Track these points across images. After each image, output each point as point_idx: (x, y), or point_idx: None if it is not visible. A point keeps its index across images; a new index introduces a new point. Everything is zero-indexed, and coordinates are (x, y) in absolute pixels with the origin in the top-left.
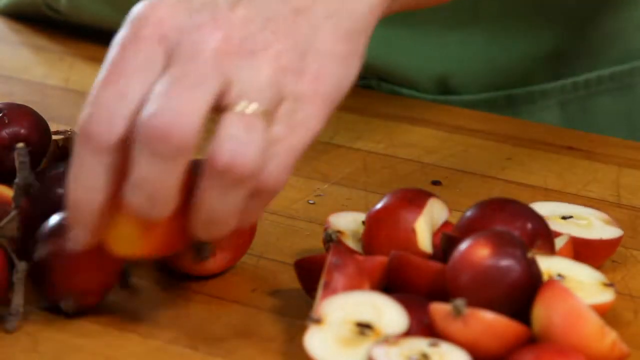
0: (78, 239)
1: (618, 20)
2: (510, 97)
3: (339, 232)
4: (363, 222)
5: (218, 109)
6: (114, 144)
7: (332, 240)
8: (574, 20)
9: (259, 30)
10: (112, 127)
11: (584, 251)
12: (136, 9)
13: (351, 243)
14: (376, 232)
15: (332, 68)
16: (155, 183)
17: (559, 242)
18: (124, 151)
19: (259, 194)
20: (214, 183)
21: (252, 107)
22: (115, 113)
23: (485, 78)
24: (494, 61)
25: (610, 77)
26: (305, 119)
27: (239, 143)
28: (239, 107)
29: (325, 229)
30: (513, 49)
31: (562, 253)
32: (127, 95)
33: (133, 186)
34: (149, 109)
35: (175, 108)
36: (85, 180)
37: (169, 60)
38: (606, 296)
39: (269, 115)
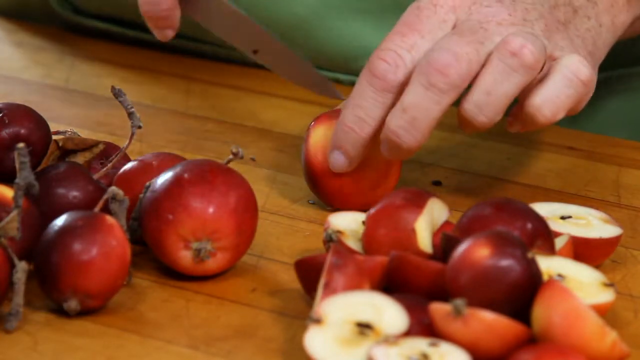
0: (338, 162)
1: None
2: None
3: (339, 232)
4: (363, 222)
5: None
6: (395, 86)
7: (332, 240)
8: None
9: (535, 20)
10: (398, 72)
11: (584, 251)
12: None
13: (351, 243)
14: (376, 232)
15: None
16: (422, 109)
17: (559, 242)
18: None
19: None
20: (501, 63)
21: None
22: (404, 60)
23: None
24: None
25: (618, 78)
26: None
27: (528, 37)
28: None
29: (325, 229)
30: None
31: (562, 253)
32: (418, 48)
33: (400, 109)
34: (433, 50)
35: (457, 52)
36: (361, 111)
37: (458, 27)
38: (606, 296)
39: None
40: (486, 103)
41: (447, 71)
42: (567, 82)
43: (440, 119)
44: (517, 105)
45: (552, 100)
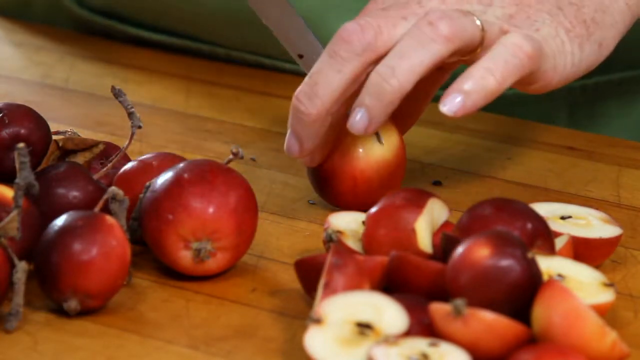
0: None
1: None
2: (519, 97)
3: (339, 232)
4: (363, 222)
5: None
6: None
7: (332, 240)
8: None
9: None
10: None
11: (584, 251)
12: None
13: (351, 243)
14: (376, 232)
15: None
16: (323, 75)
17: (559, 242)
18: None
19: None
20: (416, 31)
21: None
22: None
23: None
24: None
25: (620, 82)
26: (502, 63)
27: (452, 13)
28: None
29: (325, 229)
30: None
31: (562, 253)
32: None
33: (308, 76)
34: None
35: (366, 22)
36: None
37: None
38: (606, 296)
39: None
40: (398, 65)
41: (350, 39)
42: (509, 52)
43: (344, 89)
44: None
45: (493, 67)
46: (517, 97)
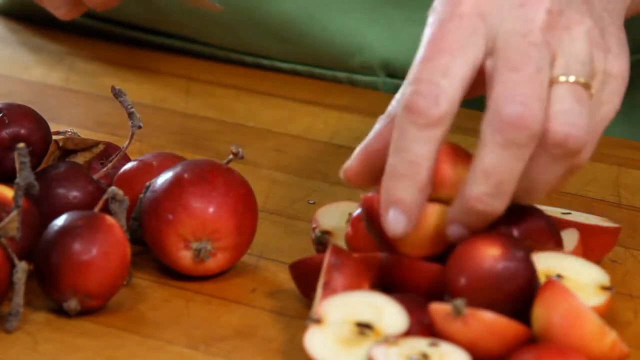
0: (397, 223)
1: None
2: None
3: (327, 232)
4: (350, 214)
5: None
6: (440, 119)
7: (322, 242)
8: None
9: (567, 7)
10: (438, 102)
11: (585, 240)
12: None
13: (340, 242)
14: (360, 233)
15: (624, 50)
16: (505, 171)
17: (567, 236)
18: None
19: (573, 167)
20: (545, 155)
21: (574, 78)
22: (442, 88)
23: None
24: None
25: None
26: (612, 95)
27: (573, 116)
28: (562, 78)
29: (314, 229)
30: None
31: (575, 252)
32: (453, 70)
33: (482, 174)
34: (496, 98)
35: (524, 96)
36: (411, 155)
37: (494, 39)
38: (600, 299)
39: (590, 87)
40: (533, 194)
41: (523, 123)
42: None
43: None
44: None
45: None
46: None
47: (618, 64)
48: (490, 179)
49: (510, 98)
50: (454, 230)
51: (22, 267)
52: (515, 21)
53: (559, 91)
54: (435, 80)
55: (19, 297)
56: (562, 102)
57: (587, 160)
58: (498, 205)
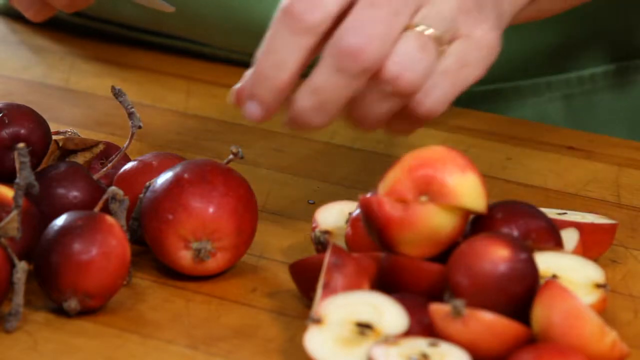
0: (253, 112)
1: (626, 15)
2: (516, 89)
3: (326, 232)
4: (350, 214)
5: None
6: (314, 28)
7: (321, 242)
8: (582, 13)
9: None
10: (315, 10)
11: (583, 238)
12: None
13: (341, 242)
14: (359, 233)
15: (498, 28)
16: (331, 92)
17: (567, 235)
18: (318, 43)
19: (410, 115)
20: (377, 90)
21: (429, 31)
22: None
23: (492, 69)
24: (501, 53)
25: (616, 72)
26: (474, 62)
27: (410, 59)
28: (418, 28)
29: (313, 229)
30: (520, 41)
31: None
32: None
33: (309, 90)
34: (345, 27)
35: (370, 32)
36: (277, 56)
37: None
38: (594, 297)
39: (442, 43)
40: (364, 125)
41: (359, 56)
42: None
43: (350, 98)
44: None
45: None
46: (513, 91)
47: (488, 36)
48: (316, 97)
49: (357, 30)
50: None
51: (22, 267)
52: None
53: (408, 36)
54: None
55: (19, 297)
56: (405, 46)
57: (433, 112)
58: (318, 121)
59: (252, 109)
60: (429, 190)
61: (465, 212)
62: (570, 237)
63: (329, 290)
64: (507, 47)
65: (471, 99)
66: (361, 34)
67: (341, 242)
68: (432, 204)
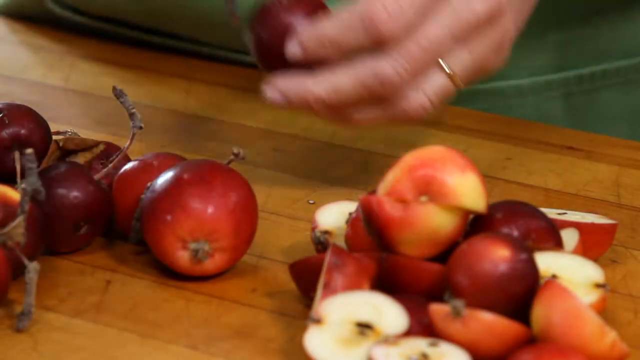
0: (295, 51)
1: (626, 14)
2: (517, 88)
3: (326, 232)
4: (350, 214)
5: None
6: (378, 39)
7: (321, 242)
8: (582, 13)
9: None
10: (390, 27)
11: (583, 238)
12: None
13: (341, 242)
14: (359, 233)
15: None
16: (346, 98)
17: (567, 235)
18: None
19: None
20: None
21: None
22: (405, 18)
23: None
24: None
25: (616, 71)
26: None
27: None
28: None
29: (313, 229)
30: (521, 39)
31: (576, 251)
32: (420, 12)
33: (330, 86)
34: (388, 54)
35: (406, 69)
36: (337, 45)
37: None
38: (593, 297)
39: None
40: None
41: (385, 86)
42: None
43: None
44: None
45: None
46: (514, 90)
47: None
48: (334, 95)
49: (392, 61)
50: (274, 95)
51: (33, 267)
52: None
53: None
54: (405, 8)
55: (30, 297)
56: (433, 81)
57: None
58: (322, 113)
59: (295, 47)
60: (429, 190)
61: (465, 212)
62: (570, 237)
63: (329, 290)
64: None
65: (471, 98)
66: (392, 68)
67: (341, 242)
68: (432, 204)
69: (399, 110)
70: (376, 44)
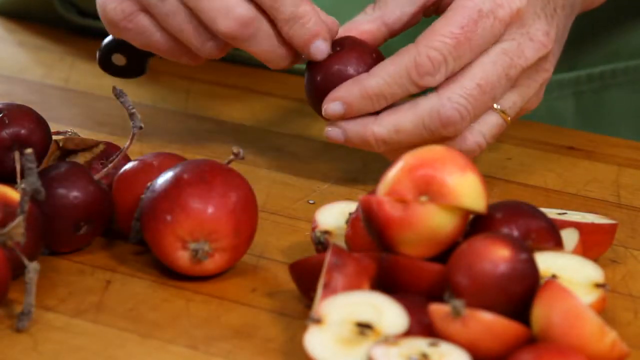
0: (335, 109)
1: (636, 14)
2: None
3: (326, 232)
4: (350, 214)
5: None
6: (426, 87)
7: (321, 242)
8: (592, 12)
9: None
10: (436, 77)
11: (583, 238)
12: None
13: (341, 242)
14: (359, 233)
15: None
16: (408, 137)
17: (567, 235)
18: None
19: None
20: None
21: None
22: (447, 69)
23: None
24: None
25: (625, 70)
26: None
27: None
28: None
29: (313, 229)
30: None
31: (576, 251)
32: (462, 60)
33: (394, 127)
34: (449, 99)
35: (465, 110)
36: (386, 93)
37: None
38: (593, 297)
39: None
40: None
41: (447, 127)
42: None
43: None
44: None
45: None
46: None
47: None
48: (396, 136)
49: (458, 104)
50: (334, 133)
51: (33, 267)
52: (518, 44)
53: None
54: (447, 59)
55: (30, 297)
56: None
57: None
58: (381, 150)
59: (336, 107)
60: (429, 190)
61: (465, 212)
62: (570, 237)
63: (329, 290)
64: None
65: None
66: (458, 110)
67: (341, 242)
68: (432, 204)
69: (457, 149)
70: (423, 89)
